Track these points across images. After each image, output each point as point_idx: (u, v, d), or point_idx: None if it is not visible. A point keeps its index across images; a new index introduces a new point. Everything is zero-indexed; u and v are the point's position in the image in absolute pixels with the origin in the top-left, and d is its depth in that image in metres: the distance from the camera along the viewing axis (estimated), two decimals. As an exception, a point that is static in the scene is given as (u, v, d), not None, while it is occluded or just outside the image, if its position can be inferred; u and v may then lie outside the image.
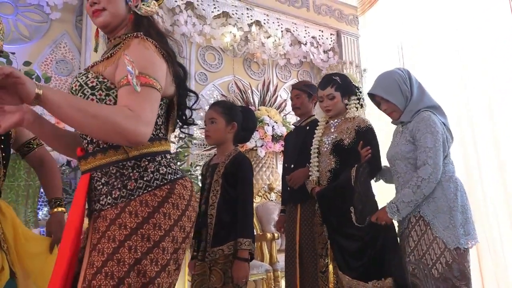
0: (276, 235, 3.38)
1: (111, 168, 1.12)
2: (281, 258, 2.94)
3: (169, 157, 1.20)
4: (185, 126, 1.35)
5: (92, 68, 1.19)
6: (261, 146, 4.03)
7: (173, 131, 1.32)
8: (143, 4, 1.24)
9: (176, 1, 3.98)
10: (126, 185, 1.10)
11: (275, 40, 4.60)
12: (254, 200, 3.82)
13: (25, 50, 3.37)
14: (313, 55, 4.91)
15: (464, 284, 1.80)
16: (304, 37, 4.84)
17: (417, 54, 4.58)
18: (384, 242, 2.01)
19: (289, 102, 3.43)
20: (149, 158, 1.14)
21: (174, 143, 3.56)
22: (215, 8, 4.21)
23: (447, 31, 4.19)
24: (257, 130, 4.03)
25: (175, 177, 1.16)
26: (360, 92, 2.46)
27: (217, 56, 4.51)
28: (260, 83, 4.56)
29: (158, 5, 1.31)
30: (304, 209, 2.52)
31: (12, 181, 2.43)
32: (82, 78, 1.15)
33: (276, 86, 4.52)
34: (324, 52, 5.04)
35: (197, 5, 4.11)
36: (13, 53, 2.76)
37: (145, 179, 1.11)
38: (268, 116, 4.13)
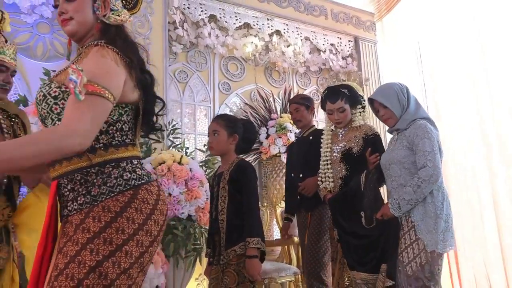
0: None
1: (76, 175, 1.13)
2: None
3: (135, 162, 1.21)
4: (153, 132, 1.37)
5: (56, 78, 1.20)
6: (284, 152, 4.14)
7: (147, 136, 1.36)
8: (112, 13, 1.26)
9: (200, 15, 4.15)
10: (90, 191, 1.12)
11: (295, 49, 4.73)
12: (279, 205, 3.94)
13: (61, 67, 3.56)
14: (332, 62, 5.02)
15: (432, 284, 1.95)
16: (323, 44, 4.95)
17: (436, 57, 4.63)
18: (389, 235, 2.14)
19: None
20: (113, 164, 1.15)
21: (203, 151, 3.71)
22: (236, 19, 4.36)
23: (467, 32, 4.23)
24: (280, 137, 4.16)
25: (139, 182, 1.17)
26: (364, 100, 2.58)
27: (239, 65, 4.66)
28: (281, 91, 4.68)
29: (132, 14, 1.33)
30: (313, 216, 2.64)
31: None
32: (45, 88, 1.17)
33: (297, 93, 4.63)
34: (343, 58, 5.14)
35: (220, 17, 4.27)
36: (54, 71, 2.94)
37: (108, 185, 1.13)
38: (290, 123, 4.24)
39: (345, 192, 2.36)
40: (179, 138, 3.57)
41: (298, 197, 2.71)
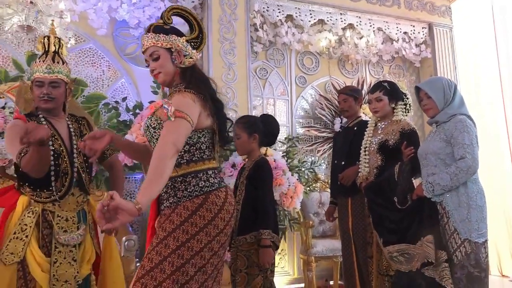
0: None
1: (168, 182, 1.52)
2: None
3: (210, 172, 1.59)
4: (227, 144, 1.77)
5: (155, 113, 1.59)
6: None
7: (223, 148, 1.75)
8: (186, 58, 1.62)
9: (277, 16, 4.53)
10: (176, 194, 1.53)
11: (368, 41, 4.93)
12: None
13: (158, 104, 4.18)
14: (405, 50, 5.13)
15: (477, 271, 2.11)
16: (396, 33, 5.07)
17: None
18: (425, 207, 2.30)
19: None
20: (192, 175, 1.55)
21: (284, 143, 4.15)
22: (311, 17, 4.67)
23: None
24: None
25: (211, 189, 1.55)
26: (407, 98, 2.79)
27: (314, 60, 4.99)
28: (355, 81, 4.92)
29: (199, 51, 1.68)
30: (354, 202, 2.86)
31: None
32: (148, 121, 1.61)
33: (370, 83, 4.84)
34: (416, 46, 5.21)
35: (296, 16, 4.61)
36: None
37: (188, 190, 1.53)
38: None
39: (380, 181, 2.59)
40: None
41: (339, 183, 2.91)
